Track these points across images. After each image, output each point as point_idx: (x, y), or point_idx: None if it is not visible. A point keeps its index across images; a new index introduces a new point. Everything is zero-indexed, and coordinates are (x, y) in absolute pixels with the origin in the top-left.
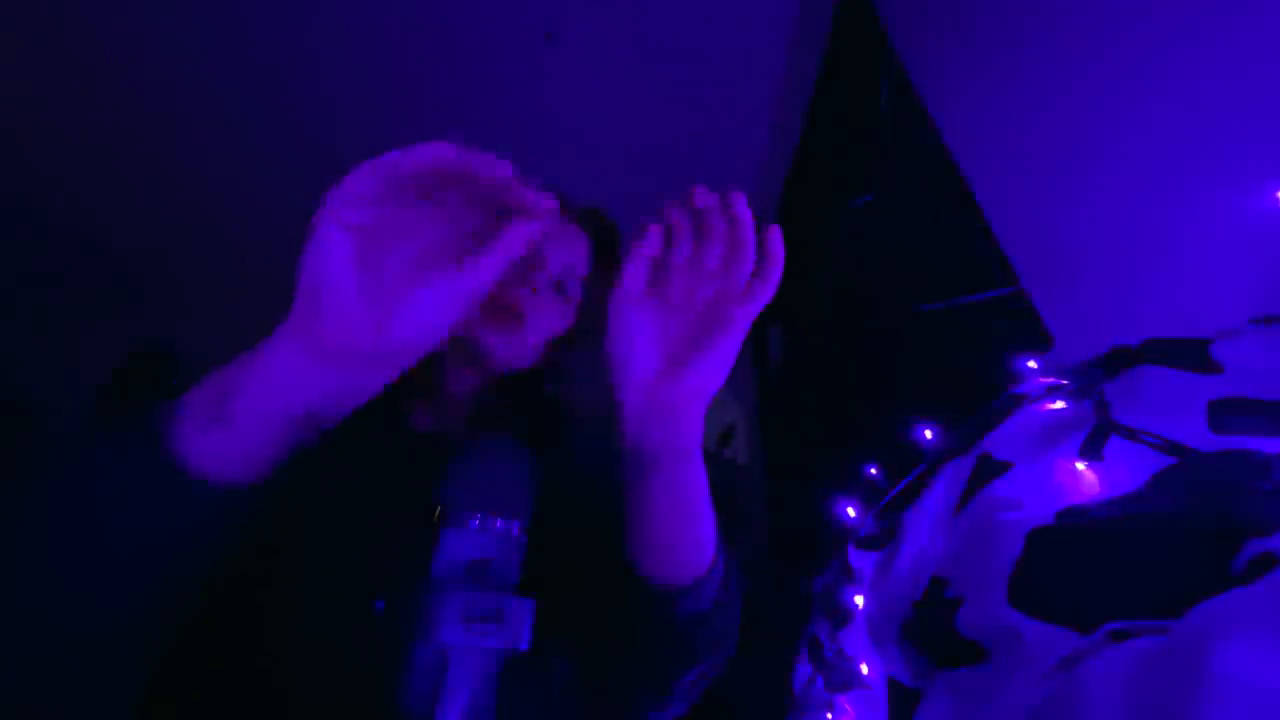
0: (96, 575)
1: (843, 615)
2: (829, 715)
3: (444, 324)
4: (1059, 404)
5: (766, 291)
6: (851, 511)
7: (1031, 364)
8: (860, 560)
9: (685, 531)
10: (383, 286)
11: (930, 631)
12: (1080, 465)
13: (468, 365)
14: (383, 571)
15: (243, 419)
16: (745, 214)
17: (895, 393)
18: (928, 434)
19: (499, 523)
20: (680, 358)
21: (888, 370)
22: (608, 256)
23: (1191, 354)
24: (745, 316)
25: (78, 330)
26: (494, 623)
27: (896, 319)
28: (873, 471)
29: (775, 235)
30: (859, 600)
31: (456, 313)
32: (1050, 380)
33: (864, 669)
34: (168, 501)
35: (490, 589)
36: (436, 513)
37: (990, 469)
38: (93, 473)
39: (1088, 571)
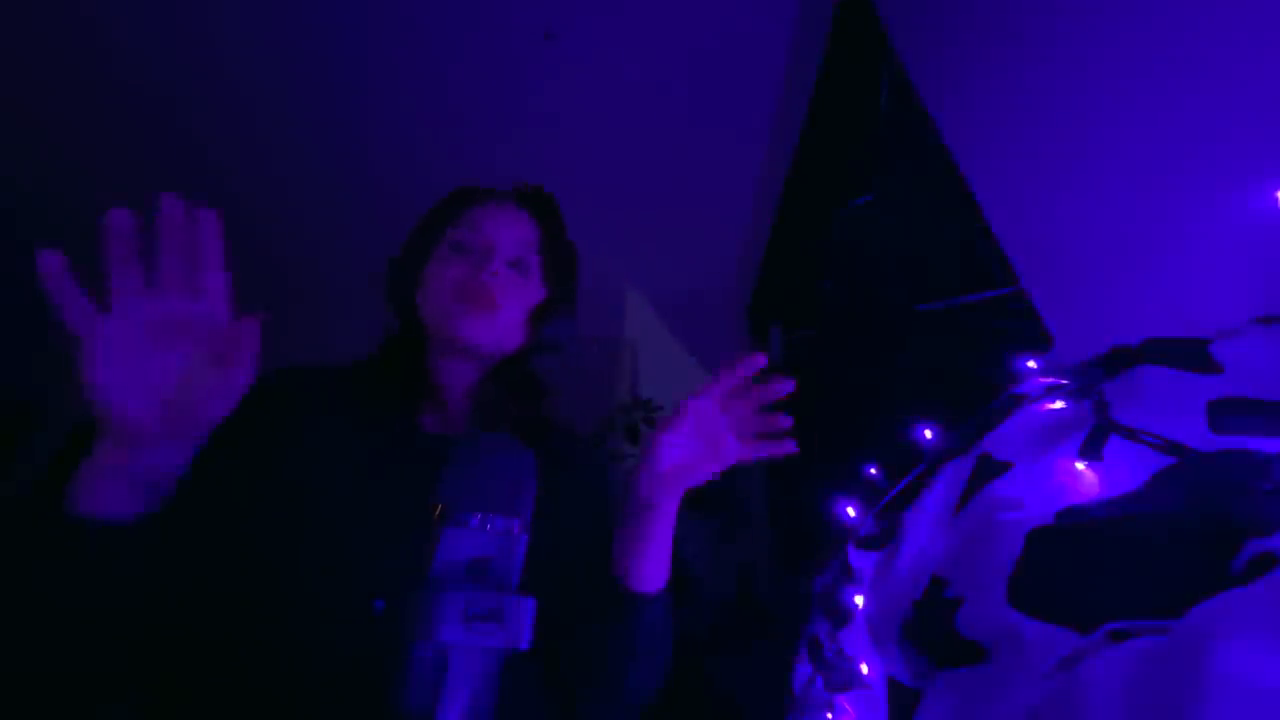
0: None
1: (843, 615)
2: (829, 715)
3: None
4: (1059, 404)
5: (768, 450)
6: (851, 511)
7: (1031, 364)
8: (860, 560)
9: (656, 557)
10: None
11: (930, 631)
12: (1080, 465)
13: (458, 358)
14: (383, 571)
15: (108, 490)
16: (778, 388)
17: (895, 393)
18: (928, 434)
19: (499, 521)
20: (684, 466)
21: (888, 370)
22: (552, 227)
23: (1191, 354)
24: (738, 455)
25: None
26: (494, 622)
27: (896, 319)
28: (873, 471)
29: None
30: (859, 600)
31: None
32: (1050, 380)
33: (864, 669)
34: (71, 540)
35: (490, 588)
36: (437, 511)
37: (990, 469)
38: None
39: (1088, 571)
